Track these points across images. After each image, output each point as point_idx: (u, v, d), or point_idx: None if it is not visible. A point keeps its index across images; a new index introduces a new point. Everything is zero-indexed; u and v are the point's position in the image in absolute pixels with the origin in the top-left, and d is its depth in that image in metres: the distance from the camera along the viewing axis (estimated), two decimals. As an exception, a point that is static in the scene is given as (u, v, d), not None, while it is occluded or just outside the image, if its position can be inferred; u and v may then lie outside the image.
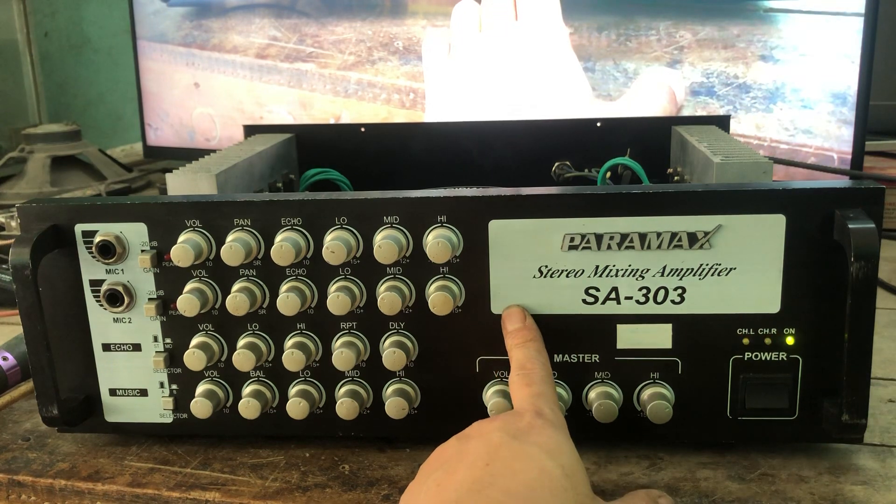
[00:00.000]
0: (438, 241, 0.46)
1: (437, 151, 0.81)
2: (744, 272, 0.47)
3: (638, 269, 0.47)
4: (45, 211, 0.50)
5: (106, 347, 0.52)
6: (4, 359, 0.60)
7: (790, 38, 0.94)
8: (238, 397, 0.52)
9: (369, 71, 1.13)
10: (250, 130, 0.82)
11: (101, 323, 0.52)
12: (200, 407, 0.51)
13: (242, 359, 0.50)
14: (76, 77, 1.76)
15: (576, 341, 0.49)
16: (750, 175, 0.55)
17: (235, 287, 0.49)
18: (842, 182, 0.48)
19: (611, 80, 1.02)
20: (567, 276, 0.48)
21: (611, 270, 0.47)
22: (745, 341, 0.48)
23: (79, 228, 0.50)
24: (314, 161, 0.80)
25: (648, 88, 1.00)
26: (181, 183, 0.59)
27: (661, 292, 0.47)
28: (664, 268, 0.47)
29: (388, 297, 0.48)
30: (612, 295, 0.48)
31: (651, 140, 0.76)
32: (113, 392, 0.53)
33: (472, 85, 1.07)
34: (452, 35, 1.07)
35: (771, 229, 0.46)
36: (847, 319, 0.44)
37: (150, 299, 0.51)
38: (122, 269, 0.51)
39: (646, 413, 0.48)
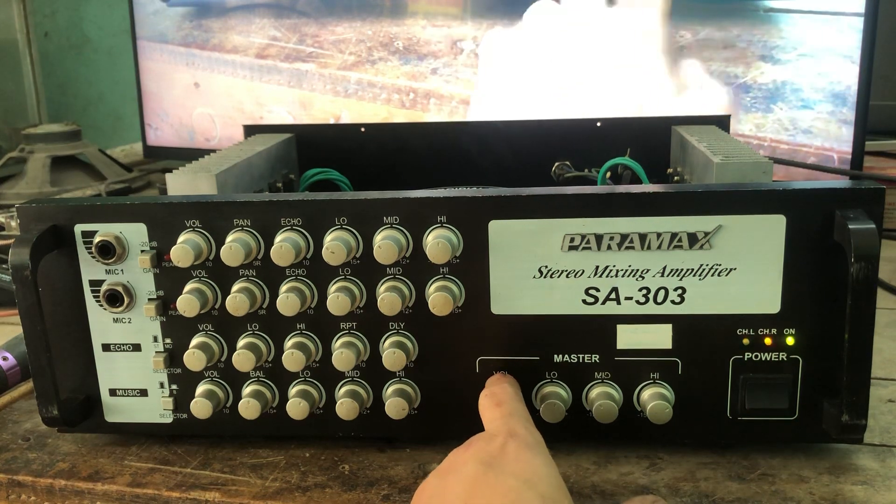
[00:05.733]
0: (438, 242, 0.46)
1: (437, 151, 0.81)
2: (744, 272, 0.47)
3: (638, 270, 0.47)
4: (45, 211, 0.50)
5: (106, 347, 0.52)
6: (4, 359, 0.61)
7: (790, 38, 0.94)
8: (238, 397, 0.52)
9: (369, 71, 1.13)
10: (250, 130, 0.82)
11: (101, 323, 0.52)
12: (200, 407, 0.51)
13: (242, 359, 0.50)
14: (76, 77, 1.76)
15: (576, 341, 0.49)
16: (750, 175, 0.54)
17: (235, 287, 0.49)
18: (842, 182, 0.48)
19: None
20: (567, 276, 0.48)
21: (611, 271, 0.47)
22: (745, 341, 0.48)
23: (78, 229, 0.50)
24: (314, 161, 0.80)
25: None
26: (181, 183, 0.59)
27: (661, 293, 0.47)
28: (664, 268, 0.47)
29: (388, 298, 0.48)
30: (612, 295, 0.48)
31: (651, 140, 0.76)
32: (113, 392, 0.53)
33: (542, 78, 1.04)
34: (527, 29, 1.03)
35: (771, 230, 0.46)
36: (847, 320, 0.44)
37: (149, 299, 0.51)
38: (122, 270, 0.51)
39: (646, 413, 0.48)
